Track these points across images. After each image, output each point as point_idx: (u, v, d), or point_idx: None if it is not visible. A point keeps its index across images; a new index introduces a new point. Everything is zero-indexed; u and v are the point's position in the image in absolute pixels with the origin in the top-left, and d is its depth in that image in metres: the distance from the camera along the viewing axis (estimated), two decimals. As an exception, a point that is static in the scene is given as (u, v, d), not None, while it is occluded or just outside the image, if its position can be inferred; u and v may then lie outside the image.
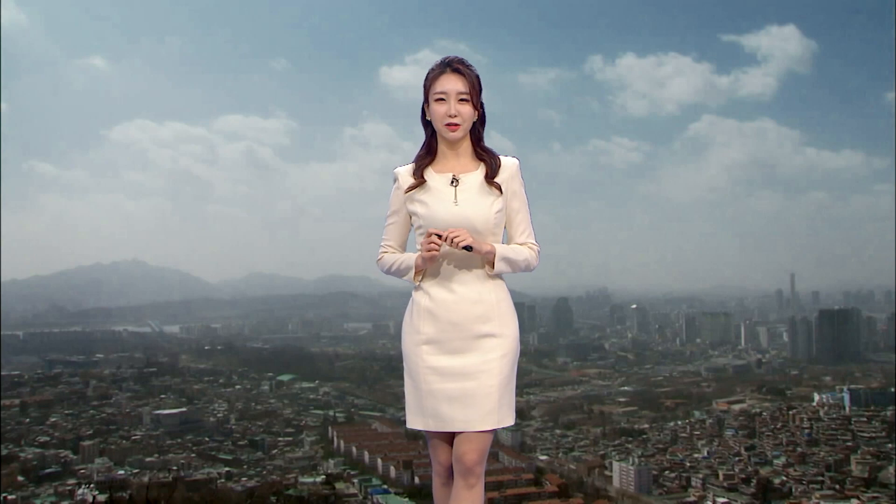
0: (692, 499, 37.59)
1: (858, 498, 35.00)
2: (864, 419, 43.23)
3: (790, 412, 45.70)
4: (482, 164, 2.40)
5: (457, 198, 2.36)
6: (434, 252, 2.30)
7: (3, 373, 53.41)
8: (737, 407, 50.25)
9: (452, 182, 2.38)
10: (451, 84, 2.33)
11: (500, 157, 2.41)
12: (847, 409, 44.98)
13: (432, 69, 2.36)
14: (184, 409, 50.09)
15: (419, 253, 2.38)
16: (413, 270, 2.40)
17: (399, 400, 58.70)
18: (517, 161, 2.41)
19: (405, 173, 2.43)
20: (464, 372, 2.32)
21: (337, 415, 52.85)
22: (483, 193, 2.36)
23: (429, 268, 2.38)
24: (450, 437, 2.38)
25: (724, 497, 37.15)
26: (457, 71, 2.34)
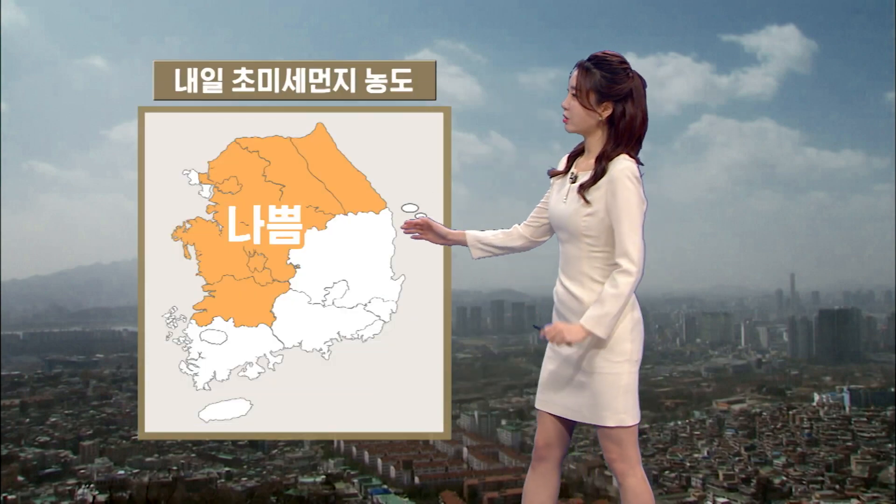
0: (692, 499, 37.57)
1: (858, 498, 34.99)
2: (864, 419, 43.21)
3: (790, 412, 45.67)
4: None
5: (567, 196, 2.38)
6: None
7: (3, 373, 53.36)
8: (737, 407, 50.21)
9: (571, 178, 2.40)
10: (572, 79, 2.38)
11: (612, 164, 2.31)
12: (847, 409, 44.95)
13: None
14: (184, 409, 49.99)
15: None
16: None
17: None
18: (623, 168, 2.29)
19: (564, 159, 2.49)
20: (569, 362, 2.38)
21: (337, 415, 52.75)
22: (580, 197, 2.33)
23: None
24: (554, 421, 2.45)
25: (724, 497, 37.14)
26: (579, 66, 2.37)
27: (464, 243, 2.63)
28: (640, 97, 2.35)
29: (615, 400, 2.32)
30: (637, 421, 2.37)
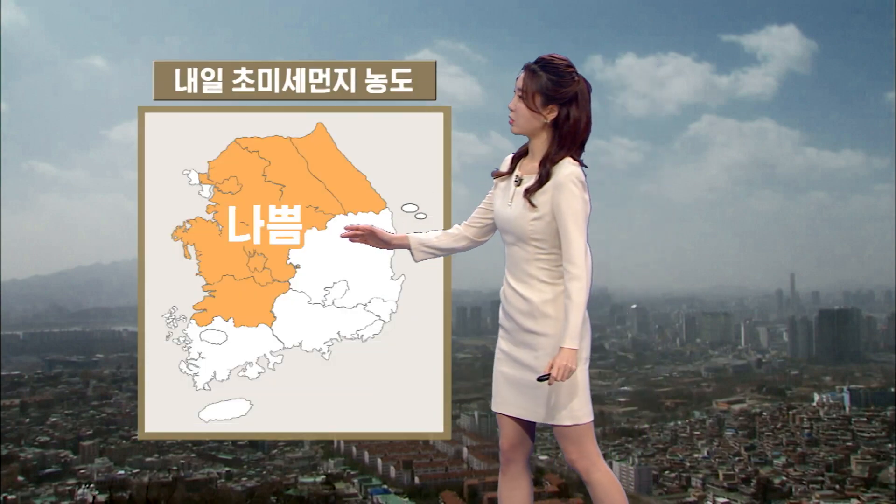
0: (692, 499, 37.58)
1: (858, 498, 35.01)
2: (864, 419, 43.23)
3: (790, 412, 45.70)
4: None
5: (512, 200, 2.37)
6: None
7: (3, 373, 53.36)
8: (737, 407, 50.23)
9: (515, 181, 2.40)
10: (518, 80, 2.36)
11: (557, 168, 2.31)
12: (847, 409, 44.98)
13: None
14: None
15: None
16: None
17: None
18: (569, 173, 2.29)
19: (507, 160, 2.47)
20: (521, 363, 2.39)
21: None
22: (526, 202, 2.33)
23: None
24: (514, 423, 2.46)
25: (724, 497, 37.16)
26: (526, 67, 2.36)
27: (407, 247, 2.60)
28: (585, 101, 2.34)
29: (569, 399, 2.34)
30: (591, 418, 2.37)
